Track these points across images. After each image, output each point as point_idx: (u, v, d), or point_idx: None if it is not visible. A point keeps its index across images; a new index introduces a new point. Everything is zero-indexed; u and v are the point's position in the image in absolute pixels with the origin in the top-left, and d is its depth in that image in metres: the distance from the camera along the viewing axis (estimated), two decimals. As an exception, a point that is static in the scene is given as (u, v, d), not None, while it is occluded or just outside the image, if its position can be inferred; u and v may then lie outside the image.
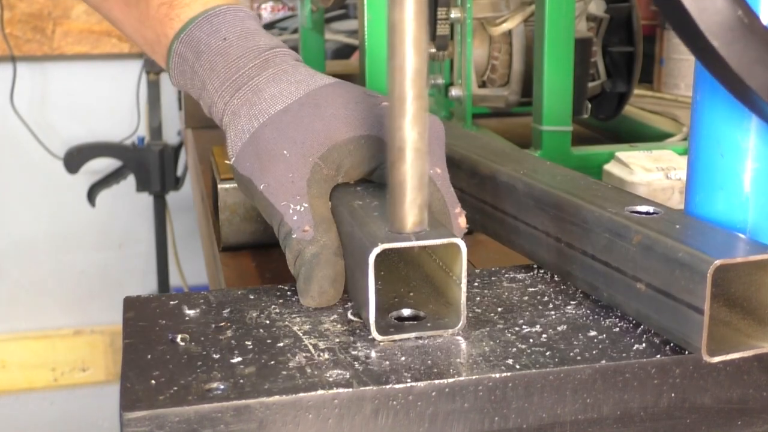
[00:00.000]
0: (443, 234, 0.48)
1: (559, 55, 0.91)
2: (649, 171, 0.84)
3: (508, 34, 1.03)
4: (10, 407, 2.50)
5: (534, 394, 0.44)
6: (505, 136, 1.03)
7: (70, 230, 2.53)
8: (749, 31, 0.42)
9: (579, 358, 0.46)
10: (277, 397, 0.42)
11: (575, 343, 0.47)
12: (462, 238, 0.48)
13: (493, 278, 0.57)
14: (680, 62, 1.47)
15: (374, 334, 0.48)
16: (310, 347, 0.47)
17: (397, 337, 0.48)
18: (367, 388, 0.43)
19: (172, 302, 0.53)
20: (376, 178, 0.57)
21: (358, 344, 0.47)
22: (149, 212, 2.46)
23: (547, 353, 0.46)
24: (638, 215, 0.51)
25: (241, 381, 0.43)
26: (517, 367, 0.45)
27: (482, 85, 1.07)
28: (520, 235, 0.60)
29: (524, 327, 0.49)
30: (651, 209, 0.52)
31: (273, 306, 0.52)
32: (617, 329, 0.49)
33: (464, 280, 0.48)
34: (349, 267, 0.52)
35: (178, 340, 0.48)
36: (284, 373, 0.44)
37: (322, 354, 0.46)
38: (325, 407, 0.42)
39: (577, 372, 0.45)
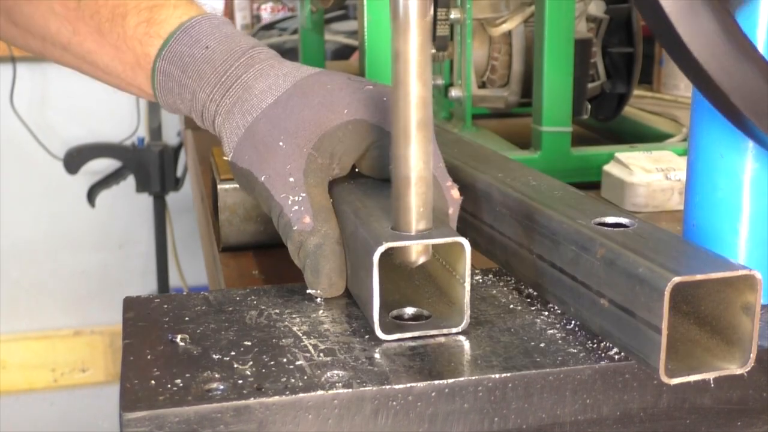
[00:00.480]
0: (447, 233, 0.49)
1: (559, 55, 0.91)
2: (648, 172, 0.84)
3: (508, 34, 1.03)
4: (10, 408, 2.50)
5: (534, 395, 0.44)
6: (505, 137, 1.03)
7: (70, 231, 2.53)
8: (743, 57, 0.42)
9: (579, 358, 0.46)
10: (277, 398, 0.42)
11: (575, 343, 0.47)
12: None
13: (493, 278, 0.57)
14: (680, 63, 1.47)
15: (378, 332, 0.48)
16: (310, 347, 0.47)
17: (400, 335, 0.48)
18: (367, 388, 0.43)
19: (171, 302, 0.53)
20: (368, 164, 0.58)
21: (358, 345, 0.47)
22: (149, 213, 2.46)
23: (547, 353, 0.46)
24: (605, 228, 0.49)
25: (241, 381, 0.43)
26: (517, 367, 0.45)
27: (482, 85, 1.07)
28: (495, 245, 0.59)
29: (524, 327, 0.49)
30: (623, 221, 0.50)
31: (273, 306, 0.52)
32: (617, 330, 0.49)
33: (468, 279, 0.48)
34: (352, 265, 0.52)
35: (178, 340, 0.48)
36: (284, 373, 0.44)
37: (321, 354, 0.46)
38: (325, 407, 0.42)
39: (577, 372, 0.45)
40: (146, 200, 2.45)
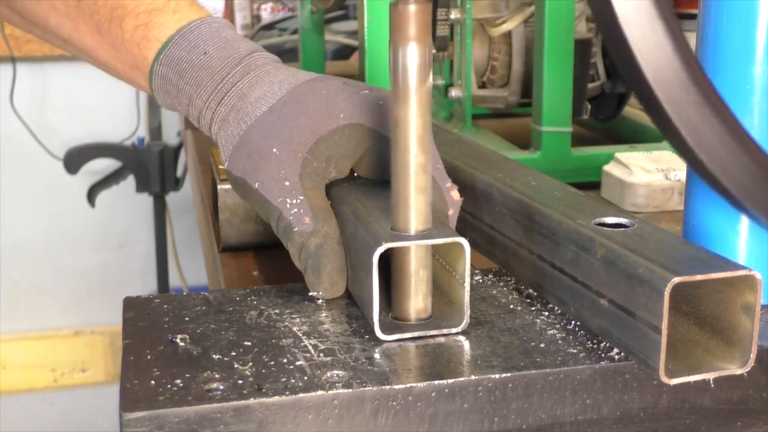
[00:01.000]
0: (446, 233, 0.49)
1: (559, 55, 0.91)
2: (648, 172, 0.84)
3: (508, 35, 1.03)
4: (10, 408, 2.50)
5: (534, 395, 0.44)
6: (505, 137, 1.03)
7: (70, 231, 2.53)
8: (736, 144, 0.42)
9: (579, 358, 0.46)
10: (276, 398, 0.42)
11: (575, 343, 0.47)
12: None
13: (493, 278, 0.57)
14: (680, 63, 1.47)
15: (378, 333, 0.48)
16: (310, 347, 0.47)
17: (400, 336, 0.48)
18: (367, 388, 0.43)
19: (171, 303, 0.53)
20: (365, 168, 0.58)
21: (358, 345, 0.47)
22: (149, 213, 2.46)
23: (547, 354, 0.46)
24: (605, 228, 0.49)
25: (241, 381, 0.43)
26: (517, 367, 0.45)
27: (482, 85, 1.07)
28: (495, 245, 0.59)
29: (524, 327, 0.49)
30: (623, 221, 0.50)
31: (273, 306, 0.52)
32: (617, 330, 0.49)
33: (468, 280, 0.48)
34: (352, 266, 0.52)
35: (178, 340, 0.48)
36: (284, 373, 0.44)
37: (321, 354, 0.46)
38: (324, 407, 0.42)
39: (577, 372, 0.45)
40: (146, 200, 2.45)
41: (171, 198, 2.44)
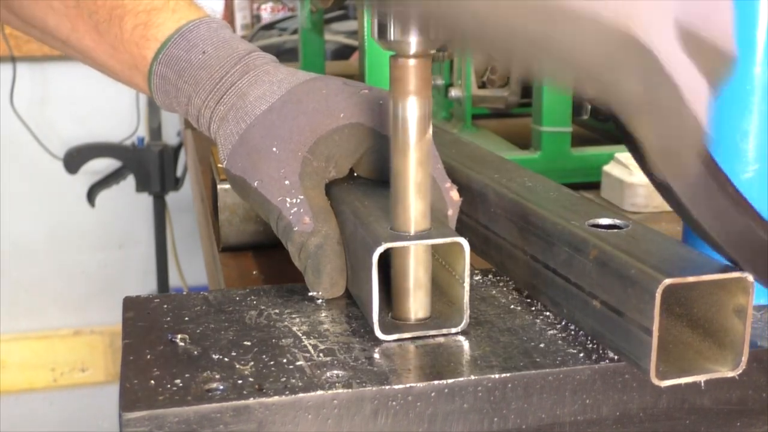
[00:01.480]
0: (446, 233, 0.49)
1: (559, 55, 0.91)
2: (648, 172, 0.84)
3: (508, 34, 1.03)
4: (10, 408, 2.50)
5: (533, 395, 0.44)
6: (505, 137, 1.03)
7: (70, 230, 2.53)
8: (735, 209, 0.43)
9: (578, 358, 0.46)
10: (276, 398, 0.42)
11: (575, 343, 0.47)
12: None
13: (493, 278, 0.57)
14: (680, 63, 1.47)
15: (377, 332, 0.48)
16: (310, 347, 0.47)
17: (400, 336, 0.48)
18: (367, 388, 0.43)
19: (171, 302, 0.53)
20: (365, 168, 0.58)
21: (357, 345, 0.47)
22: (149, 213, 2.46)
23: (547, 354, 0.46)
24: (599, 229, 0.49)
25: (241, 381, 0.43)
26: (517, 367, 0.45)
27: (482, 85, 1.07)
28: (490, 245, 0.59)
29: (524, 327, 0.49)
30: (617, 222, 0.50)
31: (273, 306, 0.52)
32: (616, 330, 0.49)
33: (467, 279, 0.48)
34: (352, 266, 0.52)
35: (178, 340, 0.48)
36: (284, 373, 0.44)
37: (321, 354, 0.46)
38: (324, 407, 0.42)
39: (577, 373, 0.45)
40: (146, 200, 2.45)
41: (171, 198, 2.45)
